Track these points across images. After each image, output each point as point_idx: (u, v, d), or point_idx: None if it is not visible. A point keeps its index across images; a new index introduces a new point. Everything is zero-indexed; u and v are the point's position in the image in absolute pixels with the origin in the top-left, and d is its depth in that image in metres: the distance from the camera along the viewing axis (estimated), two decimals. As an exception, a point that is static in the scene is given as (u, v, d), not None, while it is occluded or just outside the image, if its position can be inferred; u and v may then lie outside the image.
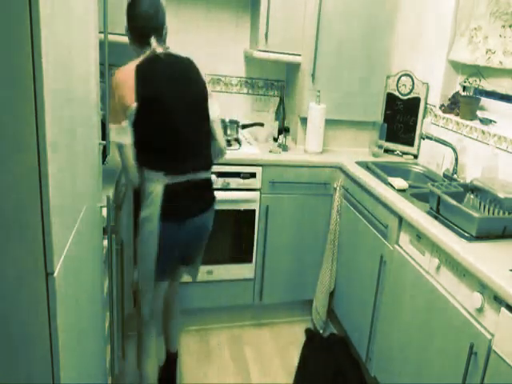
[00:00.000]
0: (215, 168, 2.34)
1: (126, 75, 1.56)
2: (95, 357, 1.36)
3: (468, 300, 1.45)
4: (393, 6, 2.62)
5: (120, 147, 1.60)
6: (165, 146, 1.63)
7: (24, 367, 0.86)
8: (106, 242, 1.52)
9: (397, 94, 2.70)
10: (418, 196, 1.98)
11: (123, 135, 1.57)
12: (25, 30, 0.71)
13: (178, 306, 2.10)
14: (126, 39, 2.27)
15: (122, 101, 1.55)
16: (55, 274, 0.83)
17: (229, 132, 2.53)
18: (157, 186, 1.61)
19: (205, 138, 1.76)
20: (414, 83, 2.61)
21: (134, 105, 1.54)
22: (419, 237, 1.75)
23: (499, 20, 2.08)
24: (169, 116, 1.62)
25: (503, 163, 1.98)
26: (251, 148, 2.53)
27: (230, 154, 2.41)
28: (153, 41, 1.64)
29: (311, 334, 2.58)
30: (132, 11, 1.65)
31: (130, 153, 1.60)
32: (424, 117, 2.59)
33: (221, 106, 2.75)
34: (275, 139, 2.63)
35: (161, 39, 1.69)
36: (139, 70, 1.57)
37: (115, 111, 1.56)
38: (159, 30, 1.68)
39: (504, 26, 2.05)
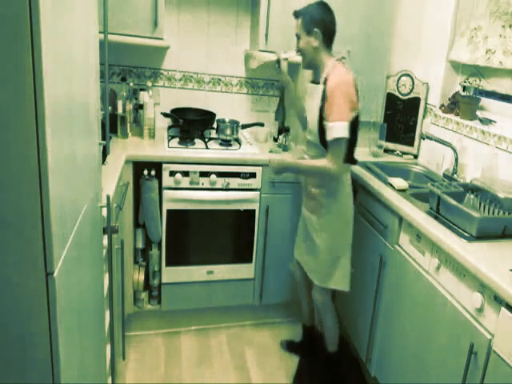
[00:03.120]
0: (215, 168, 2.35)
1: (353, 80, 1.85)
2: (95, 357, 1.36)
3: (468, 300, 1.45)
4: (393, 6, 2.62)
5: (343, 141, 1.81)
6: (354, 144, 1.94)
7: (24, 367, 0.85)
8: (106, 242, 1.52)
9: (397, 94, 2.70)
10: (418, 196, 1.98)
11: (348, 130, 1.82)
12: (25, 31, 0.71)
13: (308, 283, 2.23)
14: (125, 39, 2.30)
15: (353, 102, 1.83)
16: (55, 274, 0.83)
17: (229, 132, 2.53)
18: (347, 175, 1.97)
19: None
20: (413, 83, 2.61)
21: (357, 111, 1.86)
22: (419, 237, 1.75)
23: (499, 20, 2.08)
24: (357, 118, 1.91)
25: (503, 163, 1.98)
26: (251, 148, 2.53)
27: (230, 153, 2.41)
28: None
29: (312, 336, 2.58)
30: (329, 16, 1.87)
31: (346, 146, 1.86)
32: (424, 117, 2.59)
33: (221, 106, 2.78)
34: (275, 139, 2.63)
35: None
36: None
37: (346, 110, 1.79)
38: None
39: (504, 26, 2.05)
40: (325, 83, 1.85)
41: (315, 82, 1.97)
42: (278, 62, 2.13)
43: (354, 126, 1.87)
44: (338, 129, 1.79)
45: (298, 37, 1.91)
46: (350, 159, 1.96)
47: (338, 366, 2.22)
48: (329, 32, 1.88)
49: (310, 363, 2.32)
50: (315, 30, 1.84)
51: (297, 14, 1.90)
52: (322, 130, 1.88)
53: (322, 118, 1.86)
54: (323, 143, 1.90)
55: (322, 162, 1.87)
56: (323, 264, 2.03)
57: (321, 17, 1.85)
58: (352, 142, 1.90)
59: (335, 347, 2.20)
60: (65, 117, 0.92)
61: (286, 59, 2.13)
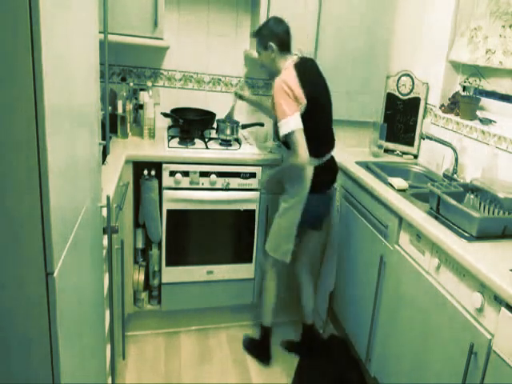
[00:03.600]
0: (215, 168, 2.35)
1: (291, 75, 1.96)
2: (95, 357, 1.36)
3: (468, 300, 1.45)
4: (393, 7, 2.62)
5: (296, 133, 1.92)
6: (319, 135, 2.07)
7: (24, 367, 0.85)
8: (106, 242, 1.52)
9: (397, 94, 2.70)
10: (418, 196, 1.98)
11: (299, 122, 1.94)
12: (25, 31, 0.71)
13: (308, 281, 2.38)
14: (125, 39, 2.30)
15: (294, 95, 1.93)
16: (55, 274, 0.83)
17: (229, 132, 2.53)
18: (309, 168, 2.03)
19: (331, 124, 2.19)
20: (413, 83, 2.61)
21: (305, 102, 1.95)
22: (419, 237, 1.75)
23: (499, 20, 2.08)
24: (323, 112, 2.09)
25: (503, 163, 1.98)
26: (251, 148, 2.53)
27: (230, 153, 2.41)
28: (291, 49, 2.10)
29: (311, 335, 2.58)
30: (280, 27, 2.07)
31: (303, 135, 1.94)
32: (424, 117, 2.59)
33: (221, 106, 2.78)
34: (275, 139, 2.63)
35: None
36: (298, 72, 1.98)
37: (287, 106, 1.92)
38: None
39: (504, 26, 2.05)
40: None
41: None
42: (241, 97, 2.57)
43: (310, 114, 1.97)
44: (283, 126, 1.93)
45: (259, 53, 2.12)
46: (315, 152, 2.01)
47: (267, 344, 2.38)
48: (282, 41, 2.06)
49: (309, 363, 2.32)
50: (270, 43, 2.04)
51: (254, 35, 2.14)
52: (276, 131, 2.06)
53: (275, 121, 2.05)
54: (283, 143, 2.08)
55: (289, 160, 2.03)
56: (272, 235, 2.22)
57: (272, 30, 2.05)
58: (311, 130, 1.97)
59: (268, 321, 2.34)
60: (65, 117, 0.92)
61: (239, 96, 2.56)
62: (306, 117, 1.95)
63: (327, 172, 2.15)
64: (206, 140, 2.53)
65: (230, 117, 2.59)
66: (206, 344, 2.48)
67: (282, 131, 1.94)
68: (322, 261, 2.60)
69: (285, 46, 2.07)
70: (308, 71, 2.07)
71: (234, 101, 2.60)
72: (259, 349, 2.40)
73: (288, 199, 2.12)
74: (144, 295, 2.47)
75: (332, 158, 2.19)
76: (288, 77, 1.96)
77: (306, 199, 2.08)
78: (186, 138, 2.50)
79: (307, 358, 2.36)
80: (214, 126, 2.65)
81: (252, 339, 2.48)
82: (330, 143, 2.16)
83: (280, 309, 2.66)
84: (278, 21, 2.09)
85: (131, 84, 2.63)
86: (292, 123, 1.92)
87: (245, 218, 2.45)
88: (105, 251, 1.54)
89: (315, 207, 2.13)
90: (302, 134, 1.93)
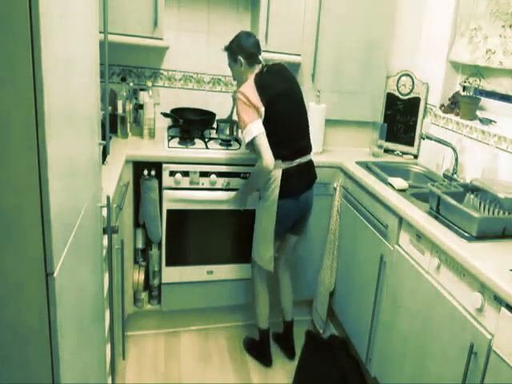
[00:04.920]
0: (215, 168, 2.35)
1: (249, 86, 2.03)
2: (95, 357, 1.36)
3: (468, 300, 1.45)
4: (393, 6, 2.62)
5: (257, 137, 1.96)
6: (283, 138, 2.06)
7: (24, 367, 0.85)
8: (106, 242, 1.52)
9: (397, 94, 2.70)
10: (418, 196, 1.98)
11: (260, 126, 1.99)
12: (25, 31, 0.71)
13: (288, 280, 2.43)
14: (125, 39, 2.30)
15: (252, 104, 1.99)
16: (55, 274, 0.83)
17: (229, 132, 2.53)
18: (276, 171, 2.04)
19: (307, 128, 2.20)
20: (413, 83, 2.61)
21: (263, 108, 1.99)
22: (419, 237, 1.75)
23: (499, 20, 2.08)
24: (284, 115, 2.07)
25: (503, 163, 1.98)
26: (251, 148, 2.53)
27: (230, 153, 2.41)
28: (260, 60, 2.13)
29: (311, 336, 2.58)
30: (247, 40, 2.12)
31: (266, 139, 1.98)
32: (424, 117, 2.59)
33: (221, 106, 2.78)
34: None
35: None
36: (257, 81, 2.05)
37: (246, 115, 1.99)
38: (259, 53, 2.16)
39: (504, 26, 2.05)
40: None
41: None
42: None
43: (270, 119, 2.01)
44: (246, 134, 1.99)
45: (230, 67, 2.20)
46: (282, 156, 2.04)
47: (267, 345, 2.38)
48: (250, 55, 2.11)
49: (309, 363, 2.32)
50: (238, 57, 2.10)
51: (225, 49, 2.19)
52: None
53: None
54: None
55: (255, 167, 2.04)
56: (254, 241, 2.25)
57: (241, 45, 2.11)
58: (274, 135, 2.01)
59: (264, 325, 2.35)
60: (65, 117, 0.92)
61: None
62: (266, 122, 2.00)
63: (299, 177, 2.13)
64: (206, 140, 2.53)
65: (230, 117, 2.59)
66: (205, 344, 2.48)
67: (246, 139, 2.00)
68: (321, 260, 2.60)
69: (253, 59, 2.11)
70: (271, 77, 2.09)
71: (232, 102, 2.60)
72: (259, 350, 2.40)
73: (261, 204, 2.14)
74: (144, 295, 2.47)
75: (308, 162, 2.17)
76: (245, 88, 2.03)
77: (278, 204, 2.07)
78: (186, 138, 2.50)
79: (308, 358, 2.36)
80: (214, 126, 2.65)
81: (252, 340, 2.48)
82: (299, 146, 2.13)
83: (280, 309, 2.66)
84: (247, 34, 2.15)
85: (131, 84, 2.63)
86: (253, 129, 1.97)
87: (245, 217, 2.45)
88: (105, 251, 1.54)
89: (287, 211, 2.11)
90: (264, 138, 1.98)
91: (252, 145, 2.01)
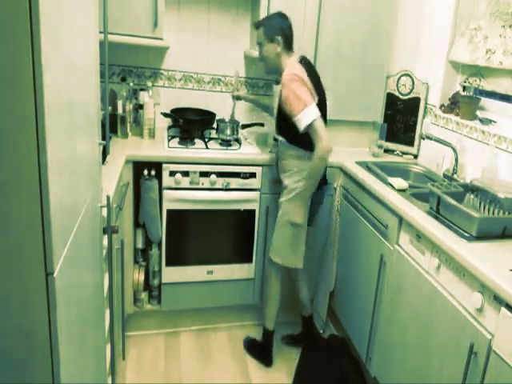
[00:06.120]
0: (215, 168, 2.35)
1: (301, 70, 1.97)
2: (95, 357, 1.36)
3: (468, 300, 1.45)
4: (393, 7, 2.62)
5: (317, 120, 1.91)
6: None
7: (24, 367, 0.85)
8: (106, 242, 1.52)
9: (397, 94, 2.70)
10: (418, 196, 1.98)
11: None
12: (25, 30, 0.71)
13: (306, 275, 2.42)
14: (125, 39, 2.30)
15: (308, 87, 1.94)
16: (55, 274, 0.83)
17: (229, 132, 2.53)
18: (308, 164, 2.00)
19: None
20: (413, 83, 2.61)
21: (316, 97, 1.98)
22: (419, 237, 1.75)
23: (499, 20, 2.08)
24: (324, 110, 2.06)
25: (503, 163, 1.98)
26: (251, 148, 2.53)
27: (230, 153, 2.41)
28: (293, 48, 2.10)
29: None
30: (287, 22, 2.06)
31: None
32: (424, 117, 2.59)
33: (221, 106, 2.78)
34: (275, 139, 2.63)
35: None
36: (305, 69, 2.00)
37: (304, 96, 1.91)
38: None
39: (504, 26, 2.05)
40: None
41: (278, 83, 2.11)
42: (238, 97, 2.55)
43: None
44: (303, 117, 1.90)
45: (261, 45, 2.09)
46: (313, 147, 1.95)
47: (268, 346, 2.38)
48: (288, 37, 2.06)
49: (310, 363, 2.32)
50: (277, 37, 2.02)
51: (258, 25, 2.10)
52: (278, 125, 2.09)
53: (280, 116, 2.05)
54: (286, 138, 2.09)
55: (315, 155, 1.94)
56: (276, 242, 2.20)
57: (280, 25, 2.04)
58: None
59: (271, 325, 2.35)
60: (65, 117, 0.92)
61: (236, 97, 2.55)
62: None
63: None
64: (206, 140, 2.53)
65: (232, 118, 2.58)
66: (206, 344, 2.48)
67: (304, 123, 1.90)
68: (321, 260, 2.60)
69: (289, 42, 2.07)
70: (310, 69, 2.07)
71: (233, 102, 2.58)
72: (261, 351, 2.40)
73: (291, 200, 2.08)
74: (144, 295, 2.47)
75: None
76: (297, 71, 1.95)
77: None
78: (186, 138, 2.50)
79: (308, 358, 2.36)
80: (214, 126, 2.65)
81: (253, 340, 2.48)
82: None
83: (280, 309, 2.66)
84: (284, 16, 2.08)
85: (131, 84, 2.63)
86: (311, 112, 1.90)
87: (245, 218, 2.45)
88: (105, 251, 1.54)
89: (312, 203, 2.14)
90: (321, 120, 1.92)
91: (308, 129, 1.92)
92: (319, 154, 1.92)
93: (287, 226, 2.13)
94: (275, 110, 2.12)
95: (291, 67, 1.99)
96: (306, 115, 1.89)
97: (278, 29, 2.03)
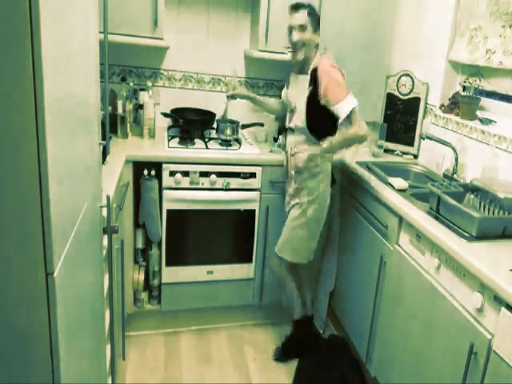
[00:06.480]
0: (215, 168, 2.35)
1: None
2: (95, 357, 1.36)
3: (468, 300, 1.45)
4: (393, 7, 2.62)
5: (356, 107, 1.97)
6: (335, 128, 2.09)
7: (24, 367, 0.85)
8: (106, 242, 1.52)
9: (397, 94, 2.69)
10: (418, 196, 1.98)
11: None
12: (25, 30, 0.71)
13: (305, 272, 2.41)
14: (125, 39, 2.30)
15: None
16: (55, 274, 0.83)
17: (229, 132, 2.53)
18: (326, 163, 2.11)
19: None
20: (413, 83, 2.61)
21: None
22: (419, 237, 1.75)
23: (499, 20, 2.08)
24: None
25: (503, 163, 1.98)
26: (251, 148, 2.53)
27: (230, 153, 2.41)
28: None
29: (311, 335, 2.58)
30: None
31: None
32: (424, 117, 2.59)
33: (221, 106, 2.77)
34: (275, 139, 2.63)
35: None
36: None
37: (344, 86, 1.98)
38: None
39: (504, 26, 2.05)
40: (313, 73, 2.02)
41: (303, 73, 2.11)
42: (233, 96, 2.43)
43: None
44: (345, 105, 1.95)
45: (304, 28, 2.00)
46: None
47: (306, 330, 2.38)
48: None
49: (310, 363, 2.32)
50: (319, 30, 2.05)
51: (301, 7, 2.01)
52: (309, 115, 2.05)
53: (311, 104, 2.03)
54: (310, 127, 2.07)
55: (353, 131, 1.99)
56: (288, 240, 2.19)
57: (319, 17, 2.07)
58: (334, 123, 2.05)
59: (298, 314, 2.35)
60: (65, 117, 0.92)
61: (231, 96, 2.44)
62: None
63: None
64: (206, 140, 2.53)
65: (224, 117, 2.54)
66: (206, 344, 2.48)
67: (347, 109, 1.95)
68: (322, 260, 2.60)
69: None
70: None
71: (226, 102, 2.49)
72: (306, 339, 2.39)
73: (309, 196, 2.12)
74: (144, 295, 2.47)
75: None
76: (331, 62, 2.03)
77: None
78: (186, 137, 2.50)
79: (308, 358, 2.36)
80: (214, 126, 2.65)
81: (286, 340, 2.43)
82: None
83: (280, 309, 2.66)
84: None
85: (131, 84, 2.63)
86: (351, 101, 1.97)
87: (245, 218, 2.45)
88: (105, 251, 1.54)
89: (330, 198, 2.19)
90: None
91: (349, 117, 1.97)
92: (361, 132, 1.99)
93: (303, 226, 2.15)
94: (302, 101, 2.07)
95: (325, 61, 2.03)
96: (349, 102, 1.96)
97: (319, 21, 2.07)
